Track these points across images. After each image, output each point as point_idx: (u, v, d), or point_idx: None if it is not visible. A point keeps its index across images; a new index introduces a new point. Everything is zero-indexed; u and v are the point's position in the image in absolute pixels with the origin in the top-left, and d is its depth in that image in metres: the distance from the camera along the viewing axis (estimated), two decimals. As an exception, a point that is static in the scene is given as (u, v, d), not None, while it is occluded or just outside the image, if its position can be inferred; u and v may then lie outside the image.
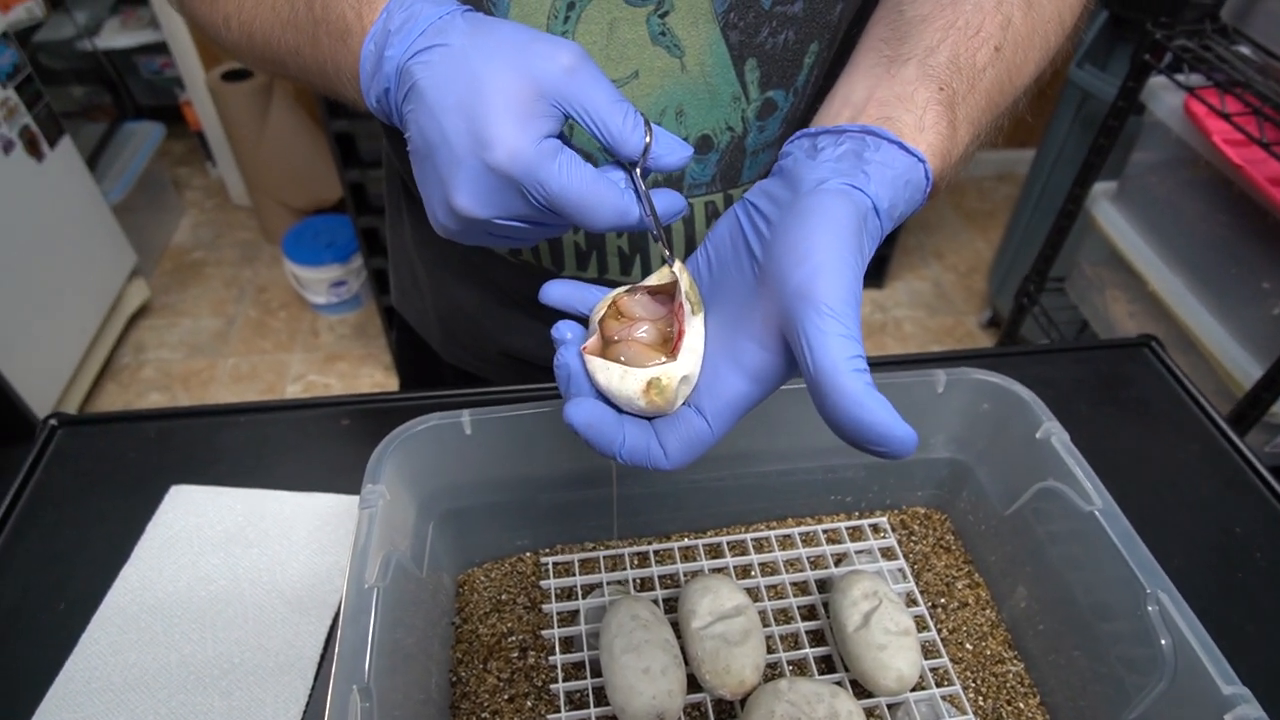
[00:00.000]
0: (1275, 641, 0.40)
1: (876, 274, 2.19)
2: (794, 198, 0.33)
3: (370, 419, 0.67)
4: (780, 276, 0.31)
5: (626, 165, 0.33)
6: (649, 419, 0.33)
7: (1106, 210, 1.28)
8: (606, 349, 0.34)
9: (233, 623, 0.54)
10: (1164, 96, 1.11)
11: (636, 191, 0.33)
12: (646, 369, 0.31)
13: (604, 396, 0.34)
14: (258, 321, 2.11)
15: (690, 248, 0.57)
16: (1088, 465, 0.49)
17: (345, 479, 0.62)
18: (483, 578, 0.56)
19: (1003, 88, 0.41)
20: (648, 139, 0.33)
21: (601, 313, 0.35)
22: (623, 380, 0.32)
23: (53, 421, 0.66)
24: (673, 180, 0.52)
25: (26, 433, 0.66)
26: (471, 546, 0.56)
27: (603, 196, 0.32)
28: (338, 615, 0.54)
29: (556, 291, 0.37)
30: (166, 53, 2.24)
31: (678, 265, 0.35)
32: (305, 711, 0.49)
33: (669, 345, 0.34)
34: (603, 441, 0.32)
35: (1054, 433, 0.50)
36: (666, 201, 0.35)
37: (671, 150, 0.33)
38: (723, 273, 0.36)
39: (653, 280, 0.36)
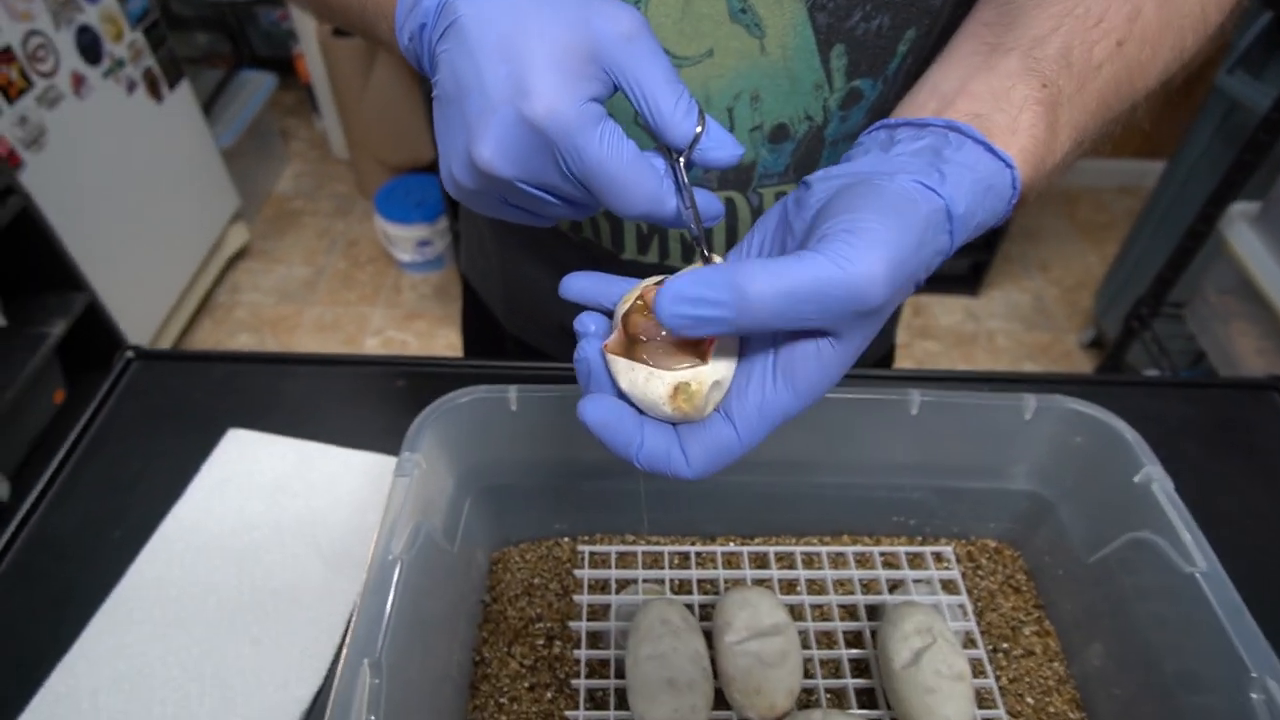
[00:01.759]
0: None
1: (972, 281, 2.08)
2: (845, 184, 0.29)
3: (425, 382, 0.66)
4: (813, 234, 0.27)
5: (671, 153, 0.31)
6: (671, 423, 0.30)
7: (1243, 233, 1.16)
8: (631, 347, 0.31)
9: (270, 571, 0.54)
10: (1327, 111, 0.99)
11: (677, 182, 0.30)
12: (674, 372, 0.28)
13: (625, 398, 0.31)
14: (345, 273, 2.18)
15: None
16: (1192, 520, 0.43)
17: (393, 440, 0.61)
18: (517, 558, 0.54)
19: (1120, 90, 0.35)
20: (699, 128, 0.30)
21: (626, 307, 0.32)
22: (648, 383, 0.28)
23: (129, 354, 0.68)
24: (743, 169, 0.49)
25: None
26: (508, 525, 0.55)
27: (641, 178, 0.29)
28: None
29: (577, 284, 0.34)
30: (284, 5, 2.32)
31: (717, 258, 0.32)
32: (329, 669, 0.49)
33: (700, 347, 0.30)
34: (619, 442, 0.29)
35: (1155, 479, 0.44)
36: (703, 201, 0.32)
37: (722, 145, 0.30)
38: None
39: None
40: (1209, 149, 1.40)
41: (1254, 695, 0.37)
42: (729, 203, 0.51)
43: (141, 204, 1.72)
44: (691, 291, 0.25)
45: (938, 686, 0.43)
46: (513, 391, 0.47)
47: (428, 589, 0.43)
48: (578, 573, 0.52)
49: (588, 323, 0.32)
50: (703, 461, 0.28)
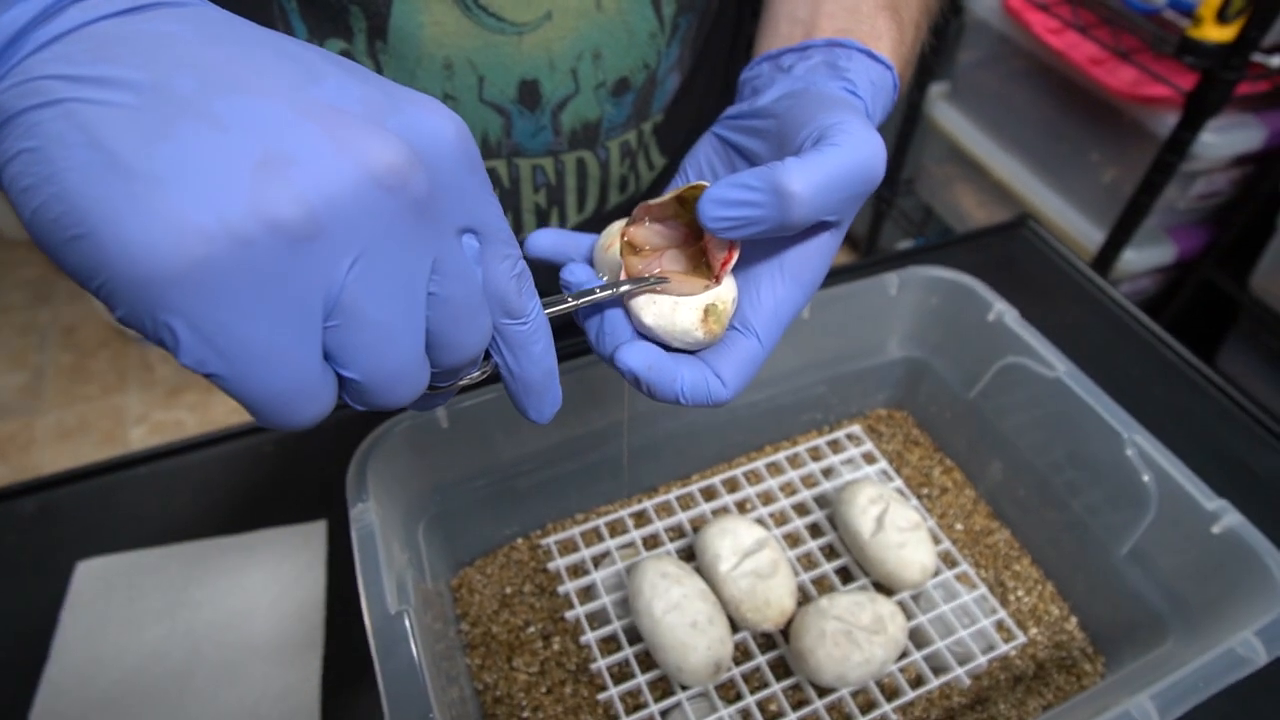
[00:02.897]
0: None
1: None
2: (791, 100, 0.31)
3: (295, 439, 0.60)
4: (796, 143, 0.29)
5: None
6: (693, 352, 0.31)
7: (943, 109, 1.37)
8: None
9: (208, 695, 0.47)
10: (981, -5, 1.20)
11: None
12: (700, 296, 0.29)
13: (643, 337, 0.31)
14: (74, 367, 1.85)
15: (604, 191, 0.55)
16: (1042, 336, 0.52)
17: (286, 508, 0.56)
18: (478, 576, 0.52)
19: None
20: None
21: (613, 250, 0.32)
22: (675, 312, 0.29)
23: (-107, 522, 0.54)
24: (590, 126, 0.49)
25: None
26: (459, 547, 0.52)
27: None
28: (326, 658, 0.49)
29: (545, 240, 0.34)
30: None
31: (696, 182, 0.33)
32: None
33: (700, 269, 0.32)
34: (664, 381, 0.29)
35: (1005, 313, 0.53)
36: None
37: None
38: None
39: (655, 201, 0.34)
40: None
41: (1129, 451, 0.46)
42: (579, 162, 0.52)
43: None
44: (734, 195, 0.26)
45: (905, 540, 0.49)
46: (441, 409, 0.45)
47: (424, 638, 0.41)
48: (550, 565, 0.51)
49: (578, 273, 0.31)
50: (735, 378, 0.30)
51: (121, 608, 0.50)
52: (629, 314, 0.30)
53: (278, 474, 0.58)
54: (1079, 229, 1.19)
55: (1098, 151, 1.14)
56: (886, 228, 1.63)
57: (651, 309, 0.29)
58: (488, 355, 0.25)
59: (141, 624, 0.50)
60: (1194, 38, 0.96)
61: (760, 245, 0.30)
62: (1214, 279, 1.22)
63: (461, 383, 0.25)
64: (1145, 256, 1.18)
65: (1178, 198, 1.15)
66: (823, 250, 0.29)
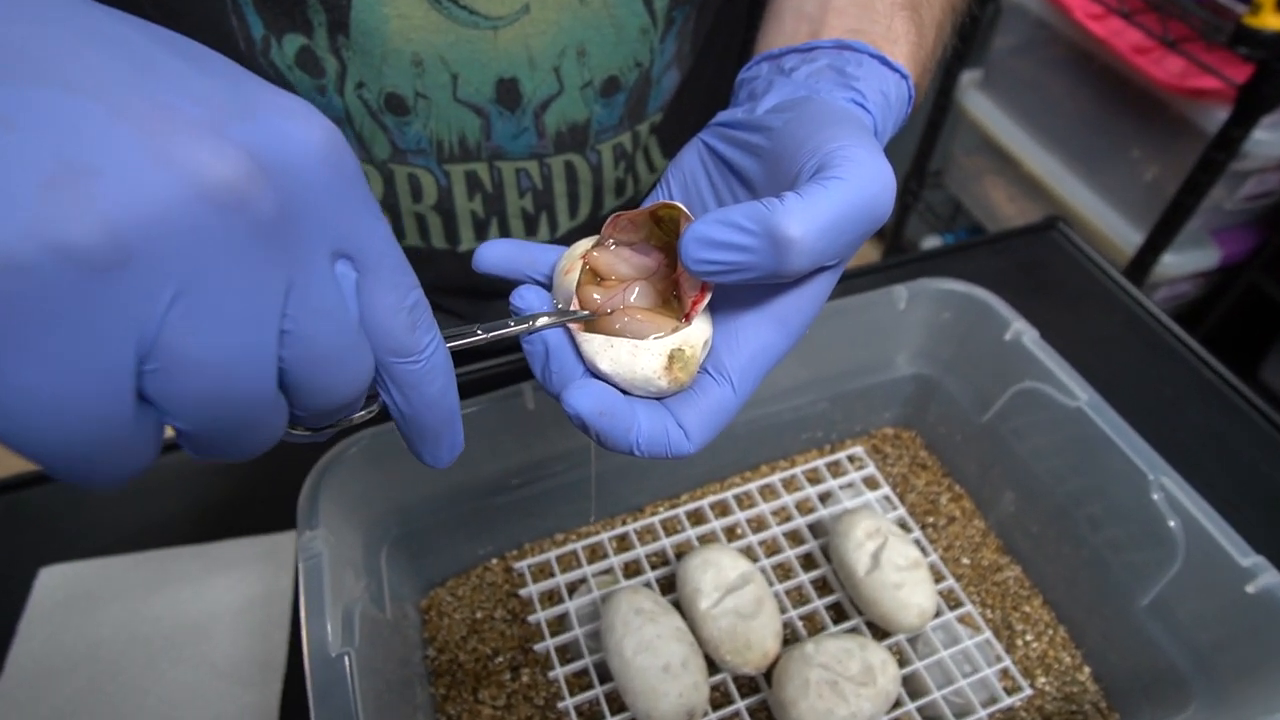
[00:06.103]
0: (1213, 497, 0.42)
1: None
2: (790, 112, 0.27)
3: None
4: (795, 169, 0.25)
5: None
6: (658, 398, 0.28)
7: (975, 98, 1.31)
8: (595, 323, 0.27)
9: (161, 715, 0.45)
10: (1020, -22, 1.13)
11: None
12: (664, 340, 0.25)
13: (599, 379, 0.27)
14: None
15: (598, 195, 0.51)
16: (1063, 360, 0.47)
17: (254, 518, 0.53)
18: (449, 598, 0.49)
19: None
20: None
21: (572, 278, 0.28)
22: (635, 358, 0.25)
23: None
24: (579, 129, 0.46)
25: None
26: (430, 566, 0.49)
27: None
28: (288, 678, 0.46)
29: (494, 252, 0.29)
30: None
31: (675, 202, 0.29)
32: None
33: (670, 304, 0.28)
34: (617, 432, 0.26)
35: (1024, 332, 0.49)
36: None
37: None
38: (702, 209, 0.30)
39: (628, 214, 0.29)
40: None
41: (1155, 495, 0.42)
42: (568, 166, 0.48)
43: None
44: (723, 236, 0.22)
45: (902, 580, 0.45)
46: (403, 426, 0.42)
47: (377, 669, 0.38)
48: (523, 592, 0.49)
49: (529, 298, 0.27)
50: (701, 430, 0.26)
51: (81, 618, 0.49)
52: (580, 354, 0.27)
53: (251, 480, 0.56)
54: (1116, 229, 1.12)
55: (1139, 147, 1.08)
56: (912, 221, 1.57)
57: (608, 353, 0.25)
58: (376, 392, 0.22)
59: (99, 636, 0.48)
60: (1250, 26, 0.89)
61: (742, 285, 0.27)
62: (1261, 285, 1.15)
63: (345, 424, 0.22)
64: (1187, 260, 1.11)
65: (1225, 198, 1.08)
66: (816, 295, 0.26)
